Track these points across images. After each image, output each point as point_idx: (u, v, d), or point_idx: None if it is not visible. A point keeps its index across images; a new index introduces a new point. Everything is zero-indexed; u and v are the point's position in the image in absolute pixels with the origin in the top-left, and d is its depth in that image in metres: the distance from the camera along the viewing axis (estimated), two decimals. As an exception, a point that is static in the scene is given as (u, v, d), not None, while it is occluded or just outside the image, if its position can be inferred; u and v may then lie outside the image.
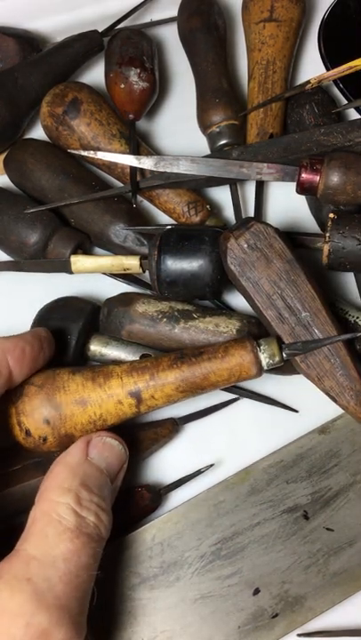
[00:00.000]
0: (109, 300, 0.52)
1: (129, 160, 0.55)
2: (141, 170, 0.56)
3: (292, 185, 0.52)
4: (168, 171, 0.54)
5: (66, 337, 0.50)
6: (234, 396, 0.52)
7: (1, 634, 0.35)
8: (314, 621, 0.46)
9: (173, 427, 0.50)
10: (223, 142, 0.58)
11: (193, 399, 0.47)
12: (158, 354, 0.49)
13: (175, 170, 0.54)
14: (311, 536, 0.47)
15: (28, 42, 0.62)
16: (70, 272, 0.53)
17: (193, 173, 0.54)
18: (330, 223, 0.50)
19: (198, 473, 0.50)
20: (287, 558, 0.47)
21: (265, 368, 0.44)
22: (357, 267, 0.50)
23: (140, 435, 0.49)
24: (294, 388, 0.52)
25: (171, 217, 0.58)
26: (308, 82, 0.58)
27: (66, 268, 0.53)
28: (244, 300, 0.49)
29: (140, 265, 0.52)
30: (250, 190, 0.59)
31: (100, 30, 0.63)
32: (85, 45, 0.62)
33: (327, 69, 0.60)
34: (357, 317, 0.51)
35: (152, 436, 0.50)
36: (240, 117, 0.58)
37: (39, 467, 0.46)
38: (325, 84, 0.58)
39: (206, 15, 0.61)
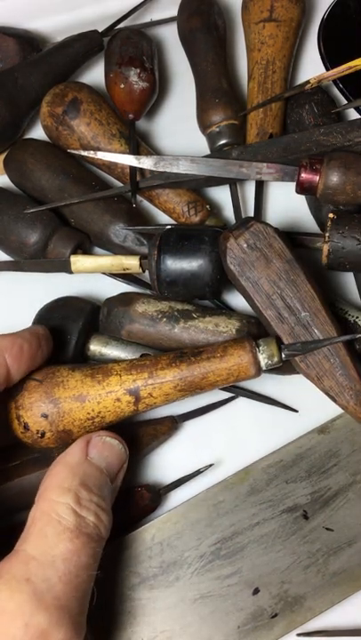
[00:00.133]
0: (109, 299, 0.52)
1: (129, 160, 0.55)
2: (141, 170, 0.56)
3: (292, 185, 0.52)
4: (168, 171, 0.54)
5: (66, 337, 0.50)
6: (233, 395, 0.52)
7: (0, 634, 0.35)
8: (313, 621, 0.46)
9: (172, 424, 0.51)
10: (223, 142, 0.58)
11: (193, 398, 0.47)
12: (158, 354, 0.49)
13: (175, 170, 0.54)
14: (311, 536, 0.47)
15: (28, 42, 0.62)
16: (70, 272, 0.53)
17: (193, 173, 0.54)
18: (329, 223, 0.50)
19: (198, 473, 0.50)
20: (287, 558, 0.47)
21: (264, 368, 0.44)
22: (357, 267, 0.50)
23: (139, 431, 0.49)
24: (294, 387, 0.52)
25: (170, 217, 0.58)
26: (308, 82, 0.58)
27: (66, 267, 0.53)
28: (243, 299, 0.49)
29: (140, 265, 0.52)
30: (250, 190, 0.59)
31: (100, 30, 0.63)
32: (85, 45, 0.62)
33: (327, 69, 0.59)
34: (357, 317, 0.51)
35: (151, 432, 0.50)
36: (240, 117, 0.58)
37: (37, 463, 0.46)
38: (325, 83, 0.58)
39: (206, 15, 0.61)
